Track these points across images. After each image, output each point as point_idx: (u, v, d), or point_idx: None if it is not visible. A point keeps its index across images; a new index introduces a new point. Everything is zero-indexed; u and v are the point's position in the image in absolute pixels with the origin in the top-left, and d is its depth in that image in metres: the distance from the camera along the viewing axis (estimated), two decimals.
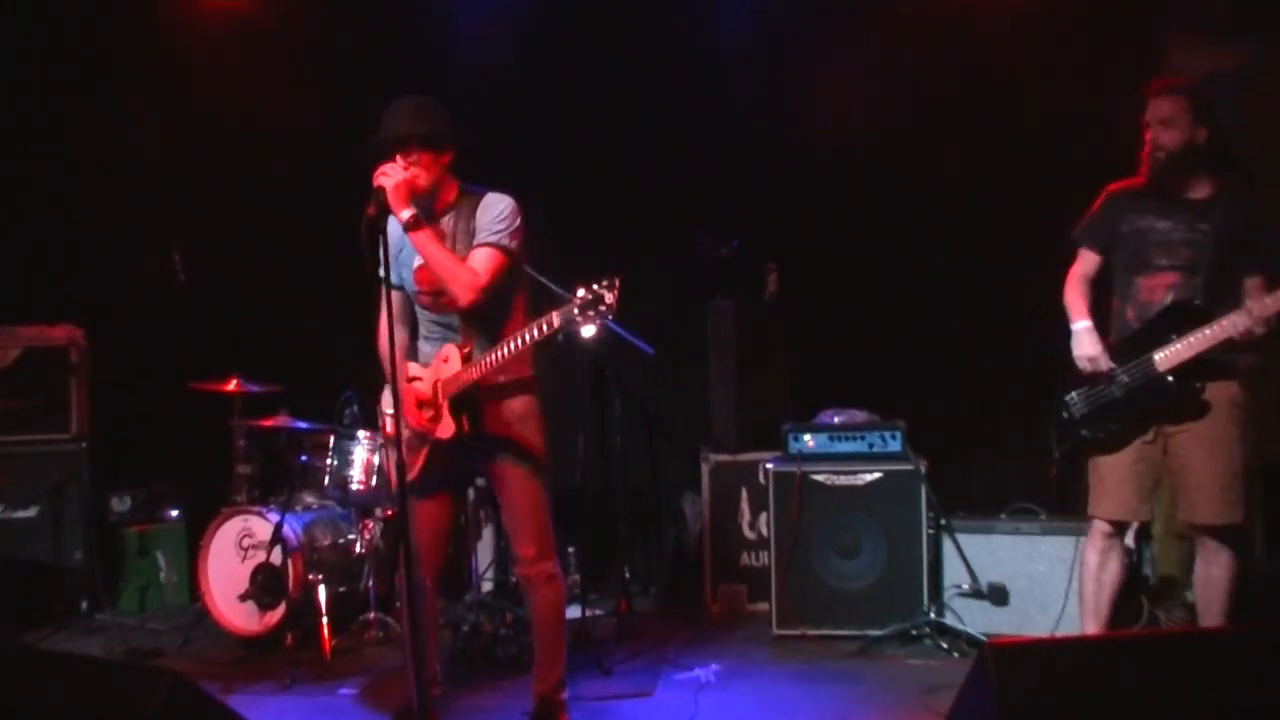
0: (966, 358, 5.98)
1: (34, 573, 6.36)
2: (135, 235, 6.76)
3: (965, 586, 5.30)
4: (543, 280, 4.88)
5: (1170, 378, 4.06)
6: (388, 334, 3.69)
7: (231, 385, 5.88)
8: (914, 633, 5.27)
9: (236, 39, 7.01)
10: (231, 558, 5.67)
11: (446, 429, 3.90)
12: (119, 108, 6.89)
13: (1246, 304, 3.95)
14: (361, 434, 5.58)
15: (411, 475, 3.92)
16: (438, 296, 3.96)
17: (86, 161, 6.89)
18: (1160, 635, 4.02)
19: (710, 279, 6.31)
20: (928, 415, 5.88)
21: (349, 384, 5.87)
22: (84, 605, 6.39)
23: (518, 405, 4.02)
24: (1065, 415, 4.32)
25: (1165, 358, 4.05)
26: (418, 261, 3.95)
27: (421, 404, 4.00)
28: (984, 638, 5.03)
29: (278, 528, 5.45)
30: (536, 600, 4.08)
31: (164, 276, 6.15)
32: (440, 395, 3.91)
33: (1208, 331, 3.96)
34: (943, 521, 5.37)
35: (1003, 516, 5.40)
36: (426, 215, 3.89)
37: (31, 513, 6.42)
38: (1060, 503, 5.49)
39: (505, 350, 3.74)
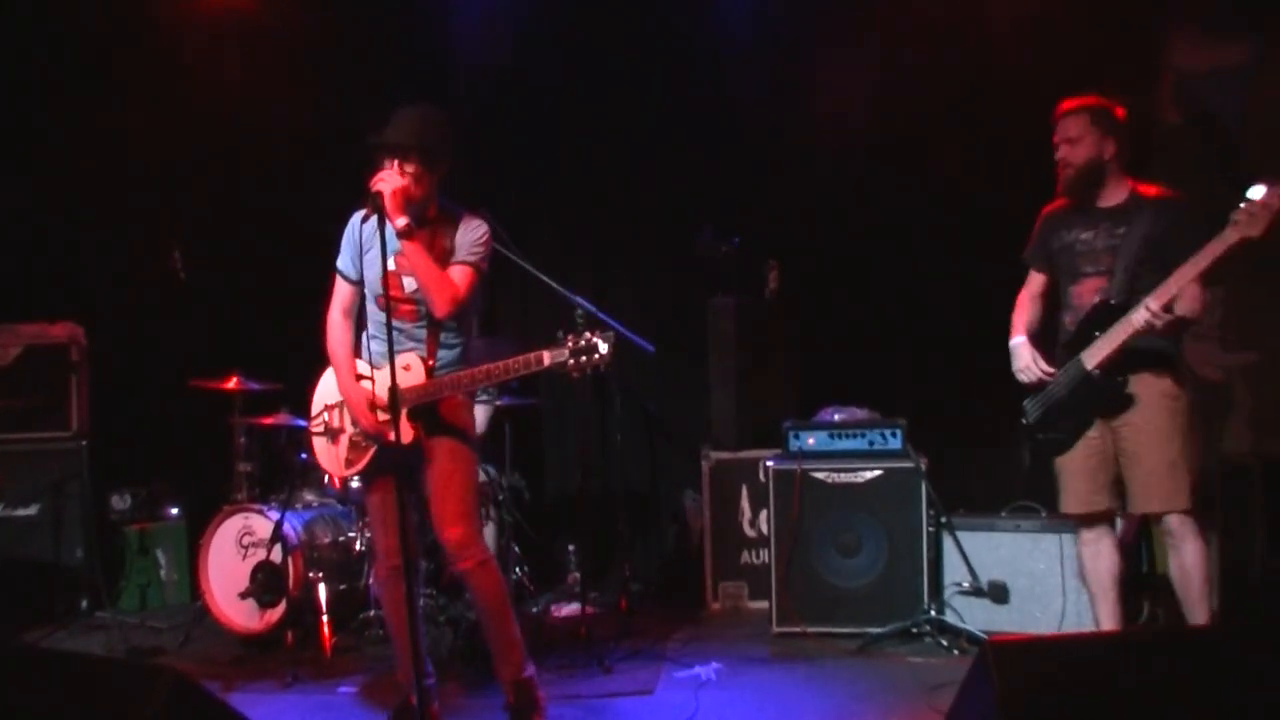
0: (967, 355, 5.97)
1: (34, 571, 6.36)
2: (135, 234, 6.76)
3: (966, 584, 5.30)
4: (552, 284, 4.87)
5: (1097, 373, 4.27)
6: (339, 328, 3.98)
7: (232, 383, 5.88)
8: (914, 631, 5.28)
9: (236, 38, 7.01)
10: (232, 556, 5.67)
11: (406, 434, 3.83)
12: (119, 106, 6.88)
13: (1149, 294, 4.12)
14: None
15: (356, 469, 4.11)
16: (398, 304, 3.97)
17: (87, 160, 6.88)
18: (1160, 633, 4.03)
19: (711, 277, 6.32)
20: (928, 413, 5.88)
21: None
22: (84, 604, 6.39)
23: (456, 405, 4.05)
24: (1024, 421, 4.54)
25: (1090, 355, 4.28)
26: (390, 267, 3.88)
27: (374, 407, 4.01)
28: (984, 635, 5.03)
29: (278, 526, 5.45)
30: (477, 589, 4.03)
31: (164, 275, 6.15)
32: (401, 402, 3.82)
33: (1119, 328, 4.18)
34: (943, 519, 5.37)
35: (1003, 514, 5.40)
36: (416, 225, 3.93)
37: (32, 511, 6.42)
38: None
39: (484, 378, 3.84)
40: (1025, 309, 4.63)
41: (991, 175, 6.12)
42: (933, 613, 5.28)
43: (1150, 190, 4.33)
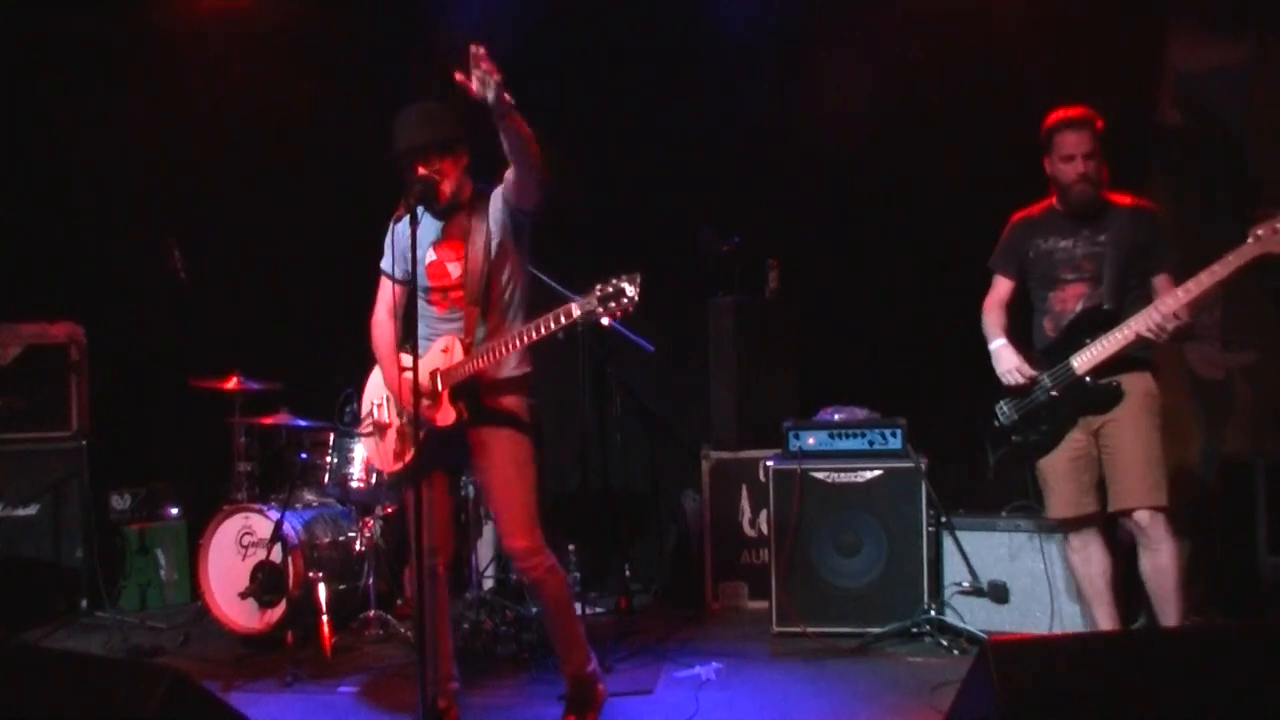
0: (967, 355, 5.96)
1: (34, 571, 6.36)
2: (135, 233, 6.76)
3: (965, 584, 5.30)
4: (552, 284, 4.88)
5: (1089, 378, 4.34)
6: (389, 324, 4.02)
7: (232, 383, 5.88)
8: (914, 630, 5.28)
9: (235, 37, 7.02)
10: (232, 555, 5.67)
11: (446, 416, 3.94)
12: (118, 105, 6.88)
13: (1155, 301, 4.20)
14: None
15: (405, 461, 4.08)
16: (446, 292, 4.03)
17: (86, 159, 6.89)
18: (1159, 633, 4.02)
19: (711, 276, 6.31)
20: (928, 413, 5.88)
21: (349, 382, 5.87)
22: (84, 603, 6.39)
23: (512, 402, 4.06)
24: (996, 423, 4.60)
25: (1083, 362, 4.33)
26: (431, 258, 4.02)
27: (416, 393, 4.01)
28: (984, 635, 5.04)
29: (278, 525, 5.45)
30: (545, 596, 4.12)
31: (164, 274, 6.14)
32: (441, 384, 3.95)
33: (1120, 334, 4.23)
34: (943, 519, 5.37)
35: (1003, 514, 5.39)
36: (437, 213, 4.01)
37: (32, 511, 6.42)
38: None
39: (517, 341, 3.79)
40: (994, 313, 4.70)
41: (992, 175, 6.11)
42: (933, 613, 5.28)
43: (1124, 199, 4.41)
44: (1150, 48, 5.94)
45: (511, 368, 4.04)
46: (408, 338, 4.12)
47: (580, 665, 4.18)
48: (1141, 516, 4.28)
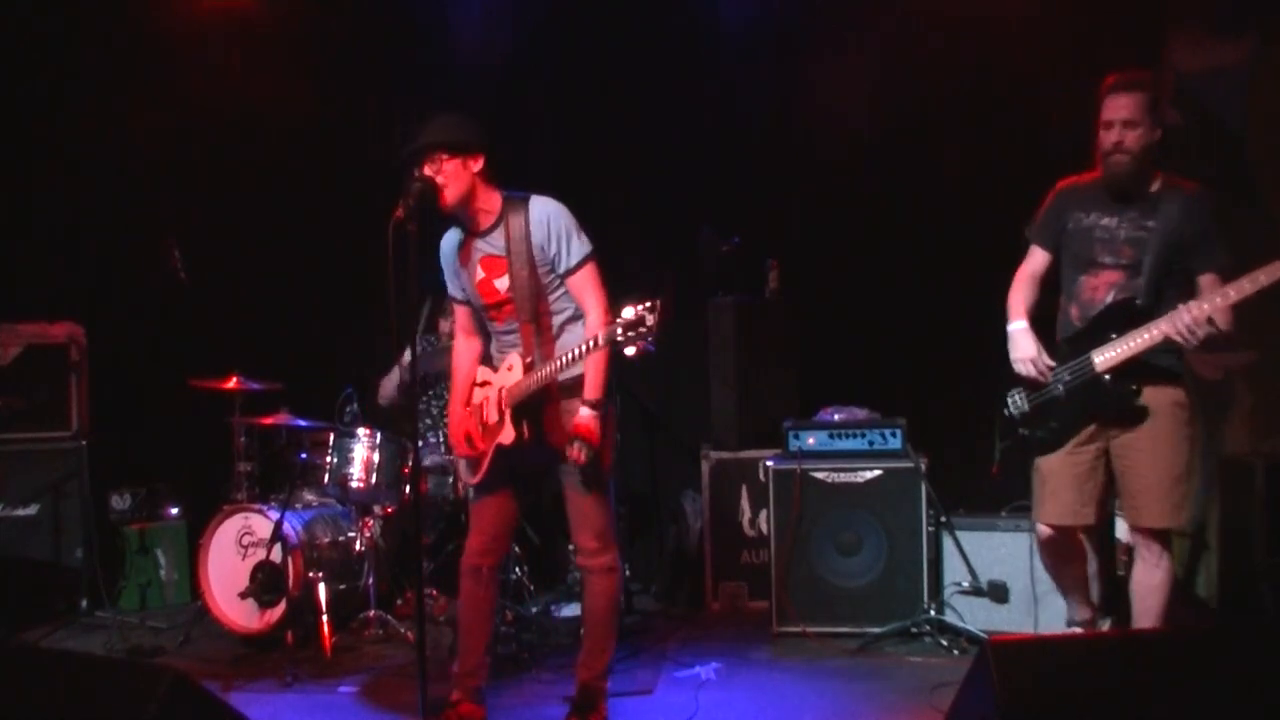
0: (967, 355, 5.97)
1: (34, 571, 6.36)
2: (135, 233, 6.75)
3: (965, 584, 5.30)
4: None
5: (1107, 378, 4.02)
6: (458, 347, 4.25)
7: (231, 383, 5.87)
8: (914, 630, 5.28)
9: (235, 36, 7.02)
10: (232, 555, 5.67)
11: (507, 436, 3.97)
12: (119, 105, 6.88)
13: (1190, 302, 3.82)
14: (361, 432, 5.59)
15: (478, 478, 4.12)
16: (500, 307, 4.05)
17: (86, 159, 6.88)
18: (1160, 633, 4.00)
19: (711, 276, 6.31)
20: (928, 412, 5.89)
21: (349, 381, 5.89)
22: (84, 603, 6.39)
23: (576, 404, 4.01)
24: (1006, 413, 4.32)
25: (1105, 360, 4.01)
26: (480, 275, 4.04)
27: (486, 410, 4.10)
28: (984, 635, 5.04)
29: (278, 525, 5.45)
30: (592, 590, 4.16)
31: (164, 274, 6.14)
32: (504, 402, 3.99)
33: (1146, 334, 3.90)
34: (943, 519, 5.37)
35: (1003, 514, 5.38)
36: (470, 227, 4.02)
37: (32, 510, 6.42)
38: None
39: (558, 364, 3.84)
40: (1024, 289, 4.30)
41: (992, 174, 6.13)
42: (933, 612, 5.28)
43: (1183, 183, 4.01)
44: (1150, 48, 5.94)
45: (576, 371, 3.96)
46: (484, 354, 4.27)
47: (597, 673, 4.18)
48: (1147, 531, 4.07)
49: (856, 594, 5.38)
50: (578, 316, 4.07)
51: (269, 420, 5.77)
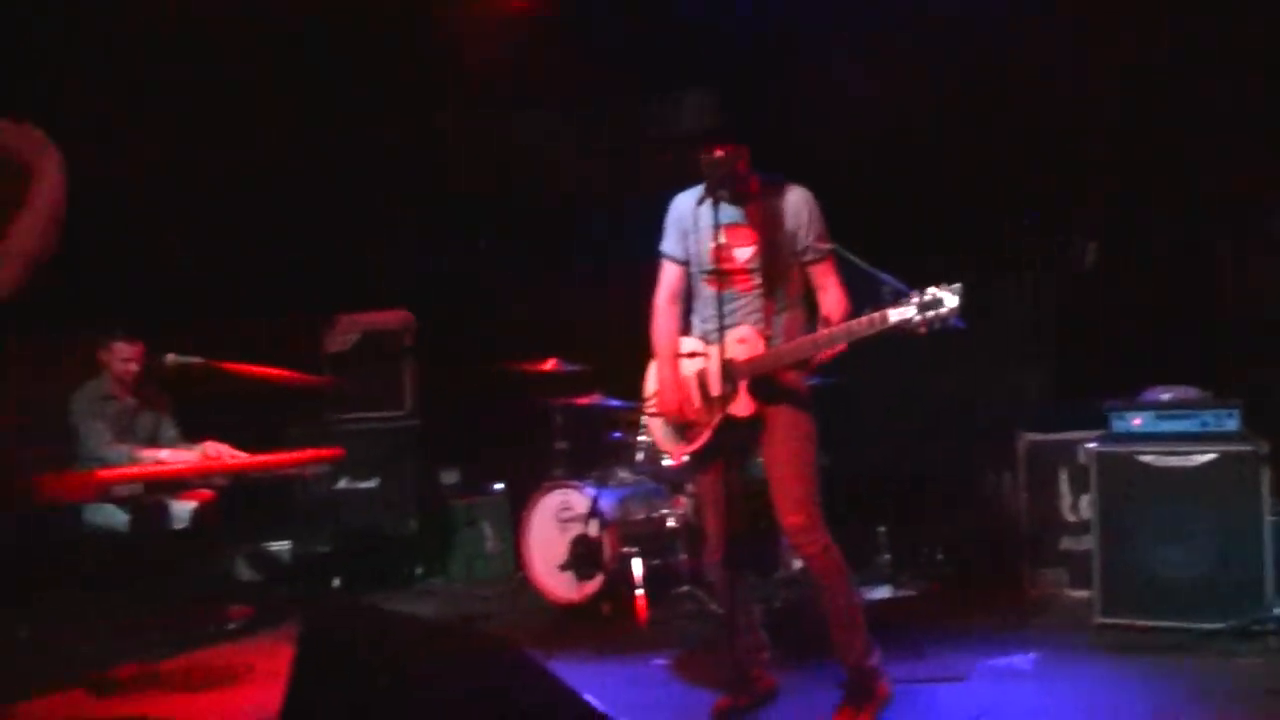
0: None
1: (374, 540, 6.89)
2: (458, 226, 7.14)
3: None
4: (862, 265, 4.81)
5: None
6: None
7: (549, 365, 6.13)
8: (1255, 629, 4.89)
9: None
10: (551, 529, 5.92)
11: (745, 407, 3.96)
12: (439, 117, 7.26)
13: None
14: None
15: (694, 447, 4.12)
16: (731, 276, 4.04)
17: (420, 165, 7.32)
18: None
19: (1027, 250, 6.07)
20: (1266, 395, 5.43)
21: None
22: (418, 571, 6.86)
23: (794, 378, 4.05)
24: None
25: None
26: (721, 241, 4.01)
27: (708, 380, 4.07)
28: None
29: (594, 502, 5.65)
30: (818, 576, 4.07)
31: (483, 262, 6.44)
32: (739, 374, 3.96)
33: None
34: None
35: None
36: (726, 195, 4.00)
37: (372, 484, 6.95)
38: None
39: (825, 338, 3.78)
40: None
41: None
42: (1276, 610, 4.87)
43: None
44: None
45: (819, 351, 3.95)
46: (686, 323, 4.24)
47: (859, 656, 4.06)
48: None
49: (1186, 586, 5.03)
50: (799, 302, 4.08)
51: (584, 400, 5.99)
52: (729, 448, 4.12)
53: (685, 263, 4.21)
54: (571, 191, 7.19)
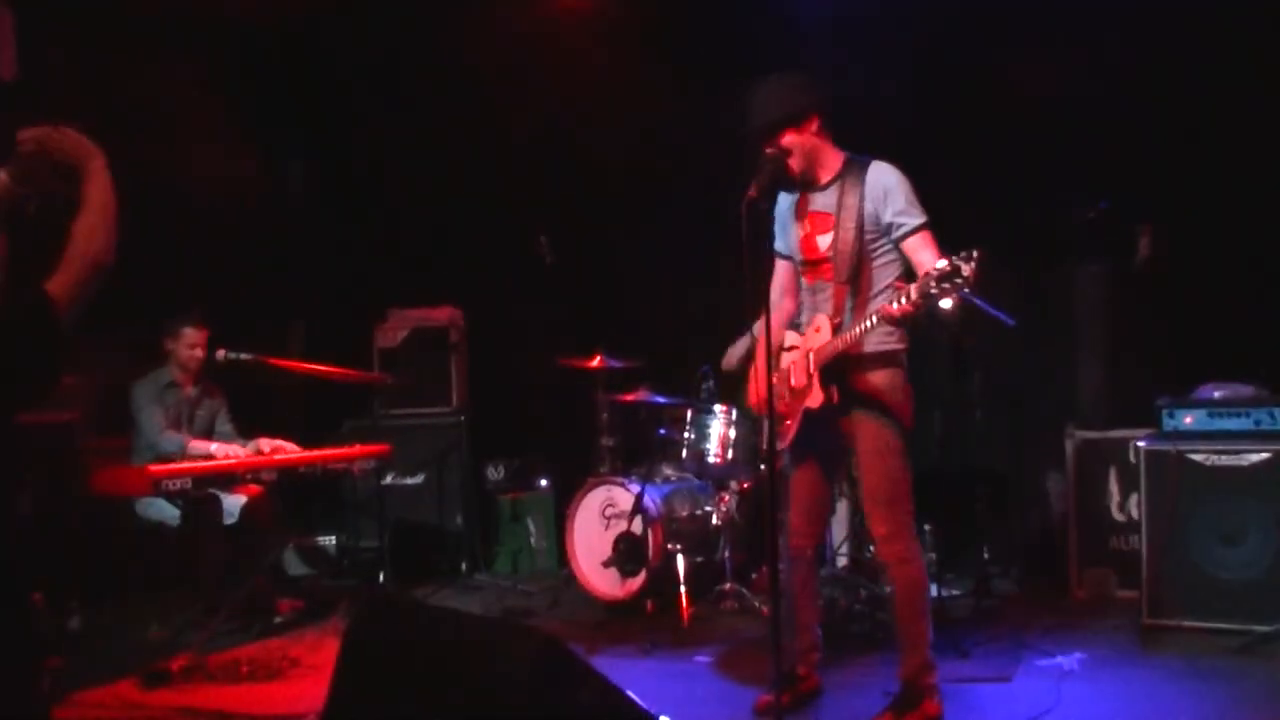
0: None
1: (421, 534, 6.96)
2: (505, 223, 7.18)
3: None
4: None
5: None
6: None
7: (596, 361, 6.15)
8: None
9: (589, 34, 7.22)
10: (596, 525, 5.94)
11: (815, 398, 3.94)
12: (492, 107, 7.29)
13: None
14: (718, 408, 5.70)
15: (785, 444, 4.08)
16: (816, 265, 4.05)
17: (466, 160, 7.36)
18: None
19: (1078, 243, 5.98)
20: None
21: (706, 360, 6.02)
22: (464, 566, 6.91)
23: (880, 378, 3.97)
24: None
25: None
26: (806, 230, 4.05)
27: (793, 373, 4.07)
28: None
29: (639, 498, 5.66)
30: (895, 586, 4.05)
31: (532, 259, 6.48)
32: (812, 364, 3.95)
33: None
34: None
35: None
36: (809, 182, 4.01)
37: (419, 479, 7.02)
38: None
39: (867, 324, 3.76)
40: None
41: None
42: None
43: None
44: None
45: (876, 342, 3.92)
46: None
47: (915, 671, 3.97)
48: None
49: (1240, 587, 4.96)
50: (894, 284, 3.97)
51: (630, 397, 6.01)
52: (823, 446, 4.12)
53: (789, 257, 4.22)
54: (621, 189, 7.20)
